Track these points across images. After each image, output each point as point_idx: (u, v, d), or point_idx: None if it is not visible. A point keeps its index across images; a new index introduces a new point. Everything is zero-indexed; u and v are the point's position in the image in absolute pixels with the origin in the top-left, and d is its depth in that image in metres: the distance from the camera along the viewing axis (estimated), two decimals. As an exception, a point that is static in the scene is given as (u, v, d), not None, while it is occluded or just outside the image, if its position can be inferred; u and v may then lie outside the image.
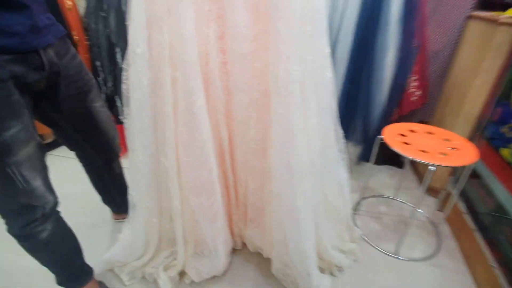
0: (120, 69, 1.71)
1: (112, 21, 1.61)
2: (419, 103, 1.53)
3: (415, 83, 1.48)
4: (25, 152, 0.69)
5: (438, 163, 1.04)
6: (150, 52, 0.75)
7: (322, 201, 1.07)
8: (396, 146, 1.14)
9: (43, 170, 0.76)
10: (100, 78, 1.81)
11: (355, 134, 1.52)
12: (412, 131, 1.28)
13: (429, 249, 1.35)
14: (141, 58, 0.74)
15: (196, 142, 0.80)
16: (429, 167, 1.04)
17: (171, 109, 0.79)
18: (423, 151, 1.12)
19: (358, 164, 1.77)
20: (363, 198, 1.60)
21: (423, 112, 1.64)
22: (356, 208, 1.57)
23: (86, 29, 1.78)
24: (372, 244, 1.35)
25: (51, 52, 0.75)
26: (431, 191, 1.61)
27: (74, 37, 1.72)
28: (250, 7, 0.68)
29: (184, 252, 1.09)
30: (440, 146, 1.16)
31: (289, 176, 0.83)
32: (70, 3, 1.72)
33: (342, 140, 1.05)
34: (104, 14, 1.65)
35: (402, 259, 1.29)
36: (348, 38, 1.27)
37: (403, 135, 1.23)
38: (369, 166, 1.43)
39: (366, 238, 1.38)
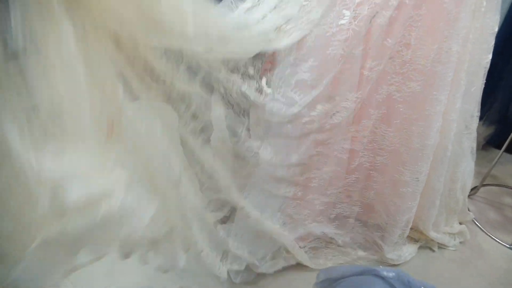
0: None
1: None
2: None
3: None
4: None
5: None
6: None
7: (445, 188, 1.04)
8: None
9: None
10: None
11: (490, 112, 1.36)
12: None
13: (561, 251, 1.18)
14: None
15: None
16: None
17: None
18: None
19: (483, 149, 1.59)
20: (483, 185, 1.46)
21: None
22: (471, 194, 1.45)
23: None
24: (485, 231, 1.27)
25: None
26: None
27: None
28: None
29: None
30: None
31: (403, 155, 0.83)
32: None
33: (476, 128, 0.98)
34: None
35: (520, 253, 1.18)
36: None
37: (558, 119, 1.06)
38: (497, 153, 1.28)
39: (479, 224, 1.29)
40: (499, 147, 1.30)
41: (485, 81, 1.26)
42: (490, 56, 0.74)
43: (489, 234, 1.25)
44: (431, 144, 0.84)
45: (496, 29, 0.70)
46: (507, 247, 1.20)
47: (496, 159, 1.31)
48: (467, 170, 1.03)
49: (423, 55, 0.71)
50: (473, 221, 1.30)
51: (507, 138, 1.24)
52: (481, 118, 1.43)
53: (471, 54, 0.71)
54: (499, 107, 1.32)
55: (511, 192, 1.46)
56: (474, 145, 1.02)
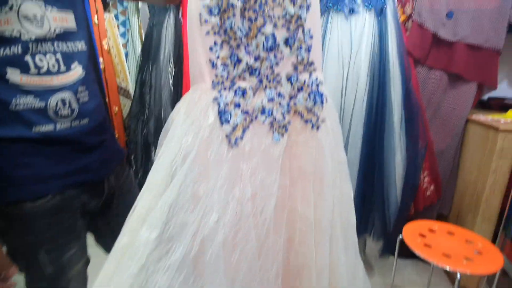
0: (152, 164, 1.91)
1: (151, 125, 1.88)
2: (433, 198, 1.57)
3: (427, 179, 1.54)
4: (76, 269, 0.75)
5: (463, 271, 1.03)
6: None
7: None
8: (418, 249, 1.14)
9: (85, 282, 0.81)
10: (132, 170, 1.99)
11: (375, 229, 1.53)
12: (431, 230, 1.28)
13: None
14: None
15: None
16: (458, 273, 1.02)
17: None
18: (446, 255, 1.11)
19: (381, 258, 1.71)
20: (390, 300, 1.50)
21: (439, 206, 1.66)
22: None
23: (126, 128, 2.07)
24: None
25: (112, 178, 0.81)
26: (464, 291, 1.51)
27: (116, 135, 1.99)
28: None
29: None
30: (463, 249, 1.16)
31: None
32: (116, 108, 2.05)
33: (366, 277, 1.03)
34: (144, 119, 1.93)
35: None
36: (358, 143, 1.41)
37: (423, 236, 1.24)
38: (394, 260, 1.39)
39: None
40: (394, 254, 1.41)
41: (359, 202, 1.47)
42: (354, 215, 0.84)
43: None
44: None
45: (352, 195, 0.84)
46: None
47: (394, 268, 1.38)
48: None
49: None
50: None
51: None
52: (369, 235, 1.60)
53: (340, 215, 0.81)
54: (380, 224, 1.50)
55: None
56: None
